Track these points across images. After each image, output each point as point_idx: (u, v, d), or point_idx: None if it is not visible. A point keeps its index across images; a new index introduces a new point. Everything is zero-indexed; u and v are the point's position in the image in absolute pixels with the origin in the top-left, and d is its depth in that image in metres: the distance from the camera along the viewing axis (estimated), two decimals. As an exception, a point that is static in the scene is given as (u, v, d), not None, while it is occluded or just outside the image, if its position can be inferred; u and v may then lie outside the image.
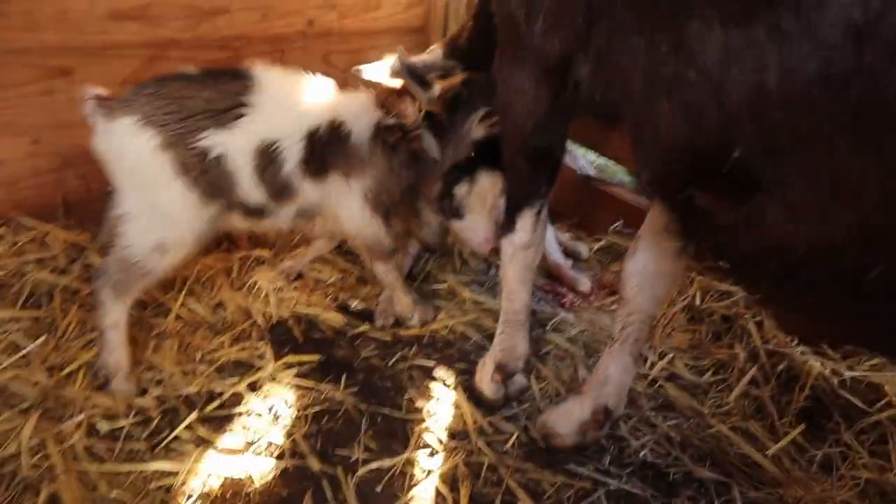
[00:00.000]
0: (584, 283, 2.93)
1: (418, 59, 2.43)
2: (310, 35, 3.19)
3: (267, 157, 2.15)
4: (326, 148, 2.23)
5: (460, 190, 2.54)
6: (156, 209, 2.09)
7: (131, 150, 2.04)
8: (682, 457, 2.16)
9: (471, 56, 2.36)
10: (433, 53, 2.48)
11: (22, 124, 2.61)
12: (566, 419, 2.10)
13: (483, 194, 2.53)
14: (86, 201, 2.84)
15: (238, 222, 2.29)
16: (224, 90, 2.10)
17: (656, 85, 1.32)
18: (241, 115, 2.09)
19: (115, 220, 2.11)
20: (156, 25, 2.74)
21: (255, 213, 2.26)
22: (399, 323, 2.63)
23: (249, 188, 2.17)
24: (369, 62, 3.43)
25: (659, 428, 2.26)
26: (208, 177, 2.10)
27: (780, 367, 2.39)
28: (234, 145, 2.10)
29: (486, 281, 2.96)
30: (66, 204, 2.79)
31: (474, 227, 2.57)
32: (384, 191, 2.36)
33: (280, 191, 2.22)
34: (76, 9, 2.55)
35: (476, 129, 2.48)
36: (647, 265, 1.93)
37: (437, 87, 2.36)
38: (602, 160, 3.64)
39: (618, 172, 3.66)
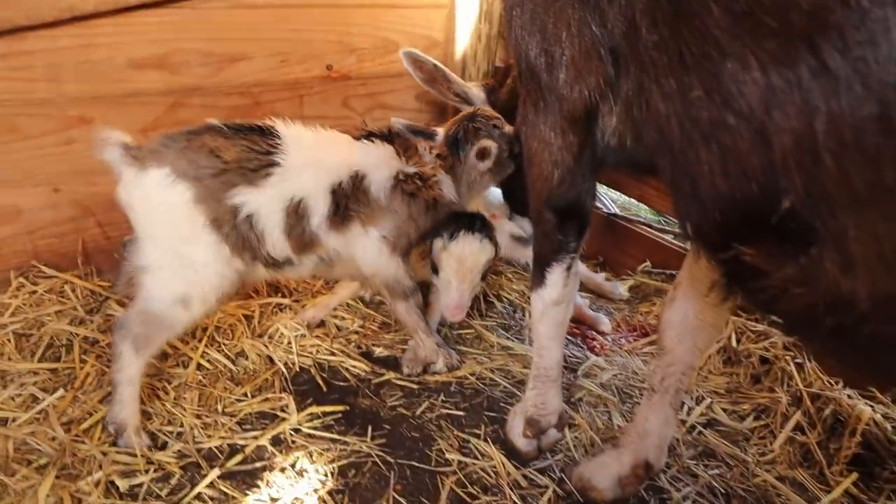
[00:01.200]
0: (605, 323, 2.86)
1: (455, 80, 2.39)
2: (328, 80, 3.19)
3: (295, 215, 2.16)
4: (349, 199, 2.24)
5: (436, 245, 2.42)
6: (182, 262, 2.06)
7: (163, 201, 2.01)
8: (727, 509, 2.05)
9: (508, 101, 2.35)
10: (473, 89, 2.47)
11: (42, 173, 2.61)
12: (604, 473, 2.00)
13: (460, 257, 2.36)
14: (105, 250, 2.82)
15: (261, 273, 2.27)
16: (253, 148, 2.10)
17: (692, 131, 1.25)
18: (271, 175, 2.10)
19: (137, 272, 2.07)
20: (176, 73, 2.75)
21: (279, 264, 2.25)
22: (424, 370, 2.55)
23: (277, 243, 2.17)
24: (387, 105, 3.46)
25: (701, 478, 2.15)
26: (238, 232, 2.09)
27: (826, 411, 2.28)
28: (264, 203, 2.10)
29: (514, 325, 2.88)
30: (85, 252, 2.76)
31: (445, 289, 2.42)
32: (403, 235, 2.36)
33: (306, 244, 2.23)
34: (97, 59, 2.56)
35: (475, 164, 2.39)
36: (686, 315, 1.84)
37: (440, 132, 2.39)
38: (625, 198, 3.58)
39: (642, 211, 3.60)
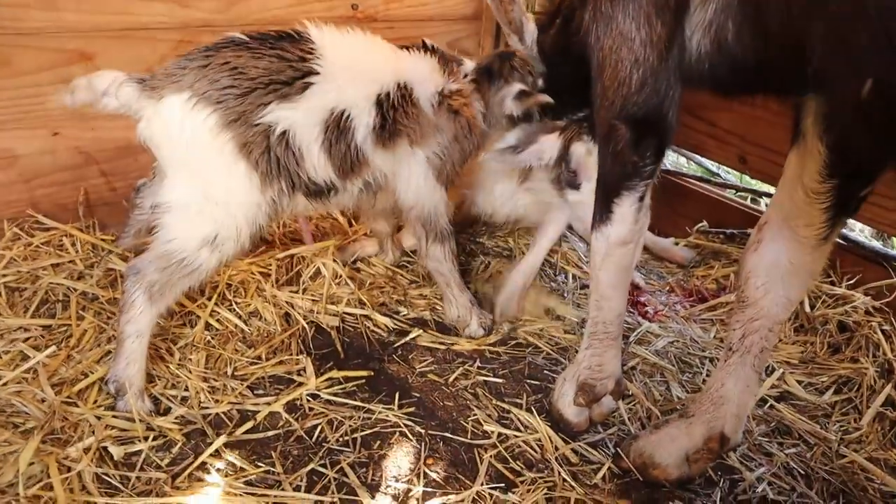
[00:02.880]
0: (640, 284, 2.61)
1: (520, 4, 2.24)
2: (353, 21, 2.91)
3: (337, 129, 1.92)
4: (396, 112, 2.02)
5: (577, 150, 2.18)
6: (210, 197, 1.83)
7: (184, 130, 1.77)
8: (809, 492, 1.78)
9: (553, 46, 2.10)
10: (530, 21, 2.25)
11: (39, 114, 2.37)
12: (669, 447, 1.73)
13: None
14: (109, 202, 2.59)
15: (301, 205, 2.03)
16: (285, 57, 1.85)
17: None
18: (308, 85, 1.85)
19: (157, 211, 1.85)
20: (185, 6, 2.49)
21: (321, 192, 2.02)
22: (456, 332, 2.29)
23: (318, 163, 1.93)
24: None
25: (776, 457, 1.87)
26: (272, 156, 1.86)
27: (923, 384, 1.99)
28: (301, 118, 1.86)
29: (556, 288, 2.60)
30: (87, 204, 2.53)
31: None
32: (449, 159, 2.16)
33: (351, 164, 2.00)
34: (99, -16, 2.30)
35: (513, 104, 2.21)
36: (778, 259, 1.54)
37: (467, 62, 2.26)
38: (674, 155, 3.28)
39: (692, 168, 3.29)
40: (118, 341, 1.84)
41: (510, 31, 2.26)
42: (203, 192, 1.83)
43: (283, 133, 1.84)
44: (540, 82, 2.27)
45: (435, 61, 2.15)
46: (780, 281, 1.53)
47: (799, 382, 2.13)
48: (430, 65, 2.14)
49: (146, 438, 1.74)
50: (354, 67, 1.96)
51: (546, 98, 2.19)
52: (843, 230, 2.53)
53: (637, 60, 1.41)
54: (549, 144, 2.24)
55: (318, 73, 1.87)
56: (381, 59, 2.06)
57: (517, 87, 2.20)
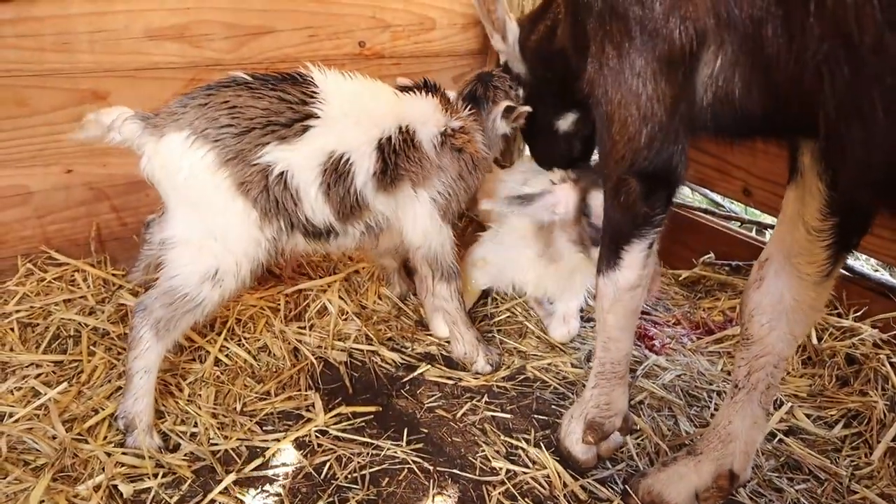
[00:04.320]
0: None
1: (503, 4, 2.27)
2: (361, 58, 2.97)
3: (335, 173, 1.94)
4: (398, 157, 2.04)
5: (597, 199, 2.08)
6: (209, 233, 1.86)
7: (183, 167, 1.80)
8: (821, 530, 1.76)
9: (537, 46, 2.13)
10: (512, 21, 2.29)
11: (53, 153, 2.41)
12: (678, 485, 1.72)
13: None
14: (120, 237, 2.62)
15: (300, 245, 2.04)
16: (285, 99, 1.88)
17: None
18: (308, 128, 1.88)
19: (162, 247, 1.88)
20: (196, 46, 2.54)
21: (320, 234, 2.03)
22: (463, 367, 2.30)
23: (316, 206, 1.95)
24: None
25: (787, 492, 1.86)
26: (270, 195, 1.88)
27: (934, 418, 1.98)
28: (299, 160, 1.88)
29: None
30: (98, 239, 2.56)
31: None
32: (454, 197, 2.18)
33: (350, 208, 2.01)
34: (112, 27, 2.36)
35: (500, 124, 2.23)
36: (782, 296, 1.55)
37: (450, 93, 2.27)
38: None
39: (697, 200, 3.31)
40: (127, 377, 1.86)
41: (493, 30, 2.30)
42: (203, 228, 1.86)
43: (281, 174, 1.87)
44: (520, 92, 2.31)
45: (436, 100, 2.18)
46: (784, 318, 1.54)
47: (808, 416, 2.12)
48: (432, 105, 2.16)
49: (156, 475, 1.75)
50: (356, 112, 1.98)
51: (528, 109, 2.23)
52: (849, 262, 2.54)
53: (646, 116, 1.42)
54: (563, 195, 2.20)
55: (318, 117, 1.89)
56: (382, 103, 2.08)
57: (503, 104, 2.23)
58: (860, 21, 1.03)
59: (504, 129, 2.25)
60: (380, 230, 2.14)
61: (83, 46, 2.34)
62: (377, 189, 2.02)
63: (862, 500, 1.84)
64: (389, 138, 2.01)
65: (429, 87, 2.20)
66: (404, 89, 2.17)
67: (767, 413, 1.69)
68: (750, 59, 1.22)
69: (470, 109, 2.22)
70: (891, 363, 2.16)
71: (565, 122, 2.34)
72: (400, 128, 2.04)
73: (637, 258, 1.58)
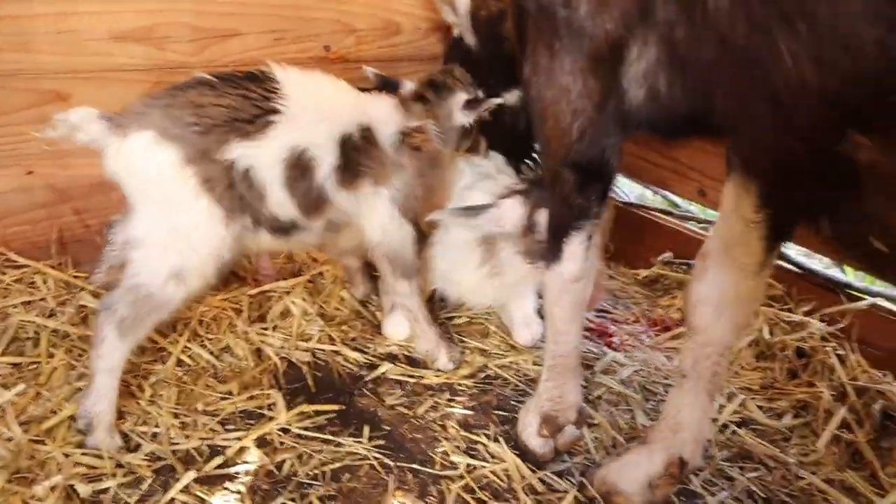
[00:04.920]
0: None
1: None
2: (326, 62, 2.99)
3: (299, 167, 1.97)
4: (359, 154, 2.07)
5: (543, 216, 2.06)
6: (174, 232, 1.87)
7: (148, 167, 1.82)
8: (770, 516, 1.82)
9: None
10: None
11: (13, 154, 2.40)
12: (631, 474, 1.77)
13: None
14: (82, 239, 2.60)
15: (265, 241, 2.07)
16: (248, 97, 1.91)
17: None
18: (270, 124, 1.90)
19: (125, 247, 1.88)
20: (161, 48, 2.55)
21: (285, 229, 2.05)
22: (426, 366, 2.33)
23: (280, 202, 1.97)
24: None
25: (737, 481, 1.92)
26: (235, 192, 1.90)
27: (876, 406, 2.05)
28: (263, 156, 1.91)
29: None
30: (60, 241, 2.55)
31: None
32: (411, 195, 2.20)
33: (313, 202, 2.03)
34: (75, 28, 2.36)
35: (462, 114, 2.24)
36: (722, 287, 1.61)
37: (408, 83, 2.29)
38: (640, 188, 3.37)
39: (657, 201, 3.39)
40: (89, 377, 1.86)
41: (441, 2, 2.34)
42: (167, 226, 1.87)
43: (246, 170, 1.89)
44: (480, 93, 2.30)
45: (395, 100, 2.21)
46: (727, 308, 1.60)
47: (760, 408, 2.19)
48: (391, 104, 2.20)
49: (115, 475, 1.75)
50: (317, 108, 2.01)
51: (496, 101, 2.23)
52: (799, 259, 2.63)
53: (576, 112, 1.49)
54: (509, 209, 2.18)
55: (280, 112, 1.92)
56: (343, 101, 2.11)
57: (462, 95, 2.25)
58: (732, 24, 1.10)
59: (462, 121, 2.25)
60: (341, 226, 2.17)
61: (45, 47, 2.34)
62: (339, 184, 2.05)
63: (808, 486, 1.90)
64: (350, 135, 2.05)
65: (389, 86, 2.24)
66: (365, 89, 2.21)
67: (714, 401, 1.74)
68: (669, 59, 1.29)
69: (423, 98, 2.24)
70: (837, 355, 2.24)
71: (512, 97, 2.39)
72: (360, 126, 2.08)
73: (577, 250, 1.64)
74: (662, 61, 1.34)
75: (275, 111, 1.91)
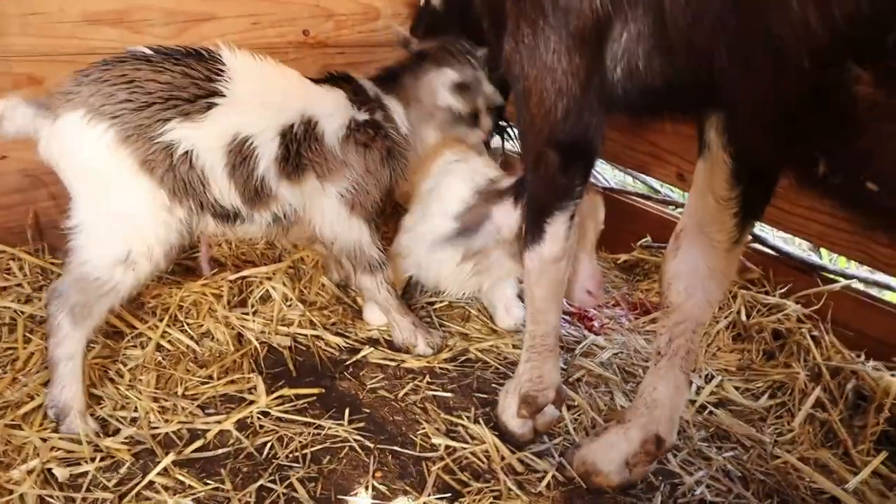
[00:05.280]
0: None
1: None
2: (305, 46, 2.97)
3: (240, 154, 1.90)
4: (301, 146, 2.00)
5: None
6: (115, 216, 1.81)
7: (82, 148, 1.75)
8: (745, 493, 1.85)
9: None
10: None
11: (-13, 139, 2.36)
12: (609, 453, 1.79)
13: (582, 219, 1.91)
14: (59, 224, 2.55)
15: (210, 227, 2.00)
16: (189, 74, 1.83)
17: None
18: (212, 106, 1.83)
19: (70, 233, 1.83)
20: (136, 31, 2.52)
21: (229, 217, 1.99)
22: (407, 350, 2.33)
23: (223, 188, 1.91)
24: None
25: (714, 460, 1.95)
26: (177, 174, 1.83)
27: (849, 385, 2.09)
28: (203, 139, 1.84)
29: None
30: (36, 227, 2.52)
31: (573, 269, 1.98)
32: (362, 192, 2.12)
33: (256, 194, 1.97)
34: (46, 10, 2.33)
35: (443, 95, 2.19)
36: (697, 264, 1.63)
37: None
38: (621, 175, 3.39)
39: (638, 186, 3.41)
40: (50, 366, 1.83)
41: None
42: (108, 211, 1.81)
43: (187, 153, 1.82)
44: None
45: (345, 93, 2.12)
46: (700, 285, 1.62)
47: (736, 389, 2.22)
48: (339, 97, 2.11)
49: (93, 459, 1.74)
50: (262, 95, 1.94)
51: (497, 101, 2.20)
52: (775, 242, 2.66)
53: (561, 90, 1.47)
54: (505, 215, 2.14)
55: (223, 95, 1.85)
56: (289, 90, 2.03)
57: (449, 73, 2.18)
58: None
59: (449, 103, 2.20)
60: (289, 222, 2.09)
61: (15, 29, 2.30)
62: (281, 176, 1.98)
63: (784, 464, 1.93)
64: (292, 126, 1.97)
65: (340, 79, 2.16)
66: (316, 81, 2.13)
67: (688, 378, 1.76)
68: (651, 29, 1.28)
69: (387, 81, 2.19)
70: (812, 336, 2.27)
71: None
72: (303, 117, 2.00)
73: (559, 230, 1.64)
74: (644, 32, 1.34)
75: (217, 93, 1.84)
